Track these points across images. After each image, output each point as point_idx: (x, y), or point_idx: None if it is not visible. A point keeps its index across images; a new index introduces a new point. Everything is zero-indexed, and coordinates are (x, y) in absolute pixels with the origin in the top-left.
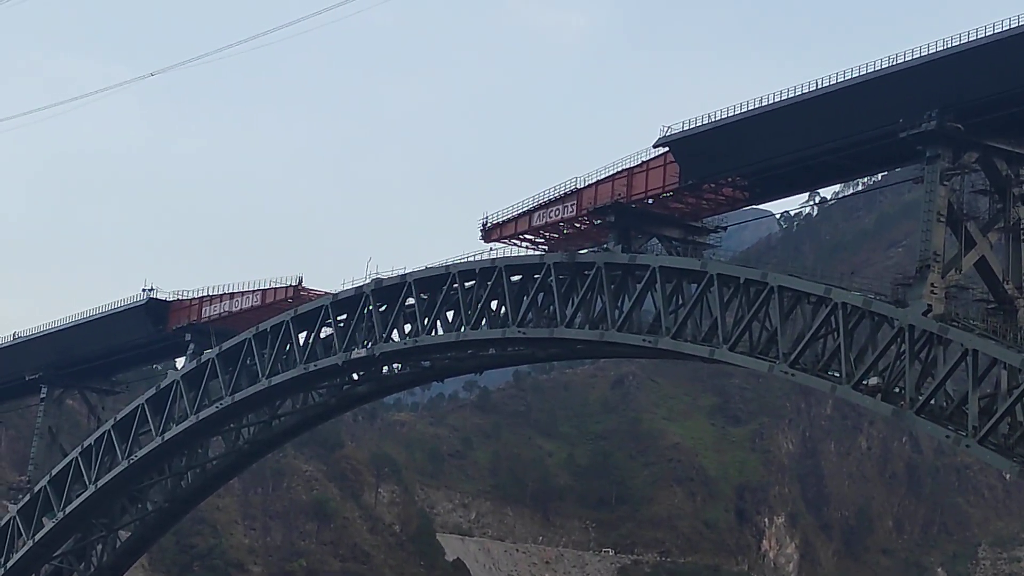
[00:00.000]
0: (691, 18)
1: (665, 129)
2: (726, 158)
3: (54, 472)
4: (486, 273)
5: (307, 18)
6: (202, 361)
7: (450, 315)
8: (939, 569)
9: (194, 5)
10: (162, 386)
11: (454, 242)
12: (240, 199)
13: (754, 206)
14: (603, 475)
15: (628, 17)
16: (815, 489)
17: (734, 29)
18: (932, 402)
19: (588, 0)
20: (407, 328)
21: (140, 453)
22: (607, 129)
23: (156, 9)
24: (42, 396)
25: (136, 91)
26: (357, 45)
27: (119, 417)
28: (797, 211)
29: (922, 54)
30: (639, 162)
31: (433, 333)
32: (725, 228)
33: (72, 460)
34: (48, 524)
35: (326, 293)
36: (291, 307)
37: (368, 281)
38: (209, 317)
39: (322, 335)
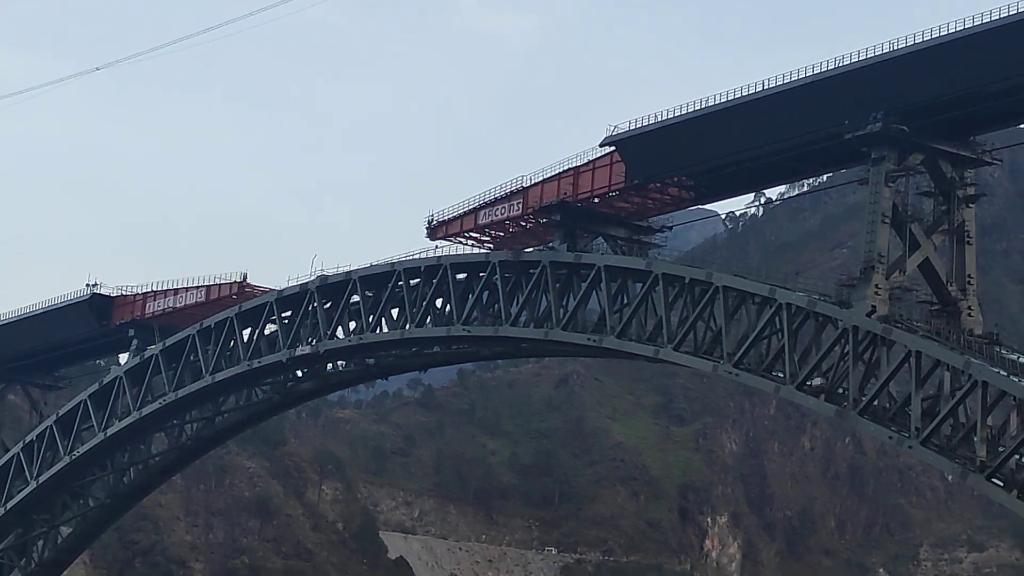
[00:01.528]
0: (638, 22)
1: (611, 128)
2: (672, 158)
3: None
4: (431, 271)
5: (256, 13)
6: (145, 357)
7: (395, 313)
8: (881, 570)
9: (139, 2)
10: (105, 382)
11: (400, 240)
12: (185, 195)
13: (700, 206)
14: (546, 474)
15: (577, 20)
16: (758, 489)
17: (681, 32)
18: (875, 403)
19: (539, 4)
20: (352, 325)
21: (82, 449)
22: (554, 129)
23: (101, 3)
24: None
25: (80, 86)
26: (308, 43)
27: (61, 413)
28: (743, 211)
29: (868, 56)
30: (585, 161)
31: (378, 331)
32: (671, 228)
33: (13, 456)
34: None
35: (271, 290)
36: (236, 303)
37: (313, 278)
38: (153, 313)
39: (266, 332)
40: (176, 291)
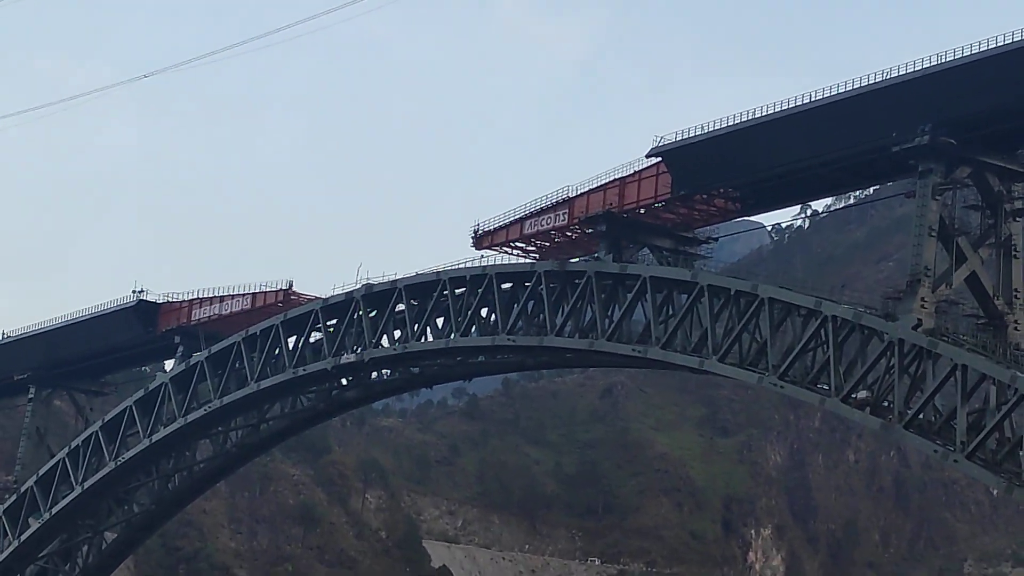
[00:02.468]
0: (686, 31)
1: (658, 139)
2: (718, 169)
3: (41, 473)
4: (476, 280)
5: (302, 22)
6: (191, 364)
7: (440, 322)
8: None
9: (186, 10)
10: (150, 388)
11: (445, 249)
12: (232, 203)
13: (745, 217)
14: (590, 484)
15: (624, 30)
16: (802, 501)
17: (729, 43)
18: (920, 416)
19: (585, 13)
20: (396, 334)
21: (127, 455)
22: (601, 139)
23: (148, 13)
24: (30, 396)
25: (129, 94)
26: (353, 52)
27: (107, 418)
28: (788, 223)
29: (915, 68)
30: (631, 172)
31: (423, 339)
32: (716, 239)
33: (59, 461)
34: (34, 524)
35: (316, 298)
36: (281, 311)
37: (359, 286)
38: (199, 320)
39: (311, 340)
40: (222, 298)
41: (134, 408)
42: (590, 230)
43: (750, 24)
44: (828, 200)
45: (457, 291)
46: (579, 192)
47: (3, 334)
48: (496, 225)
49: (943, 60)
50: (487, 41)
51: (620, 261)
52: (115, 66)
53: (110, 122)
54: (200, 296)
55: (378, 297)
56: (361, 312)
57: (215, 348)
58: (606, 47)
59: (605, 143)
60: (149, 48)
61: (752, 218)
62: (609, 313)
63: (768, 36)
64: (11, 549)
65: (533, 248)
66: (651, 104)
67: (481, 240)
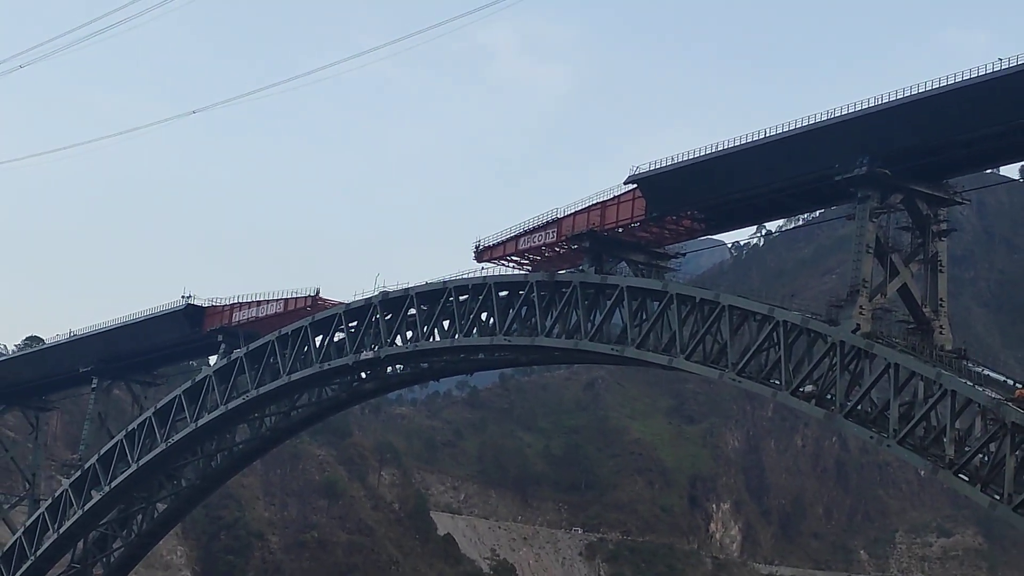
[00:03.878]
0: (659, 73)
1: (634, 168)
2: (686, 194)
3: (102, 452)
4: (478, 288)
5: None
6: (232, 359)
7: (446, 324)
8: (862, 552)
9: (226, 53)
10: (197, 380)
11: (451, 262)
12: (267, 220)
13: (709, 236)
14: (574, 464)
15: (603, 71)
16: (757, 480)
17: (695, 82)
18: (859, 408)
19: (568, 56)
20: (409, 334)
21: (176, 437)
22: (582, 165)
23: (192, 53)
24: (93, 386)
25: (178, 125)
26: (369, 91)
27: (159, 406)
28: (746, 241)
29: (855, 109)
30: (611, 196)
31: (431, 339)
32: (684, 254)
33: (118, 442)
34: (96, 496)
35: (340, 303)
36: (309, 314)
37: (376, 293)
38: (238, 321)
39: (335, 339)
40: (259, 303)
41: (182, 397)
42: (576, 246)
43: (713, 66)
44: (780, 221)
45: (461, 298)
46: (566, 213)
47: (70, 332)
48: (495, 241)
49: (880, 101)
50: (482, 81)
51: (601, 273)
52: (161, 101)
53: (162, 150)
54: (240, 301)
55: (393, 303)
56: (378, 315)
57: (252, 346)
58: (587, 87)
59: (586, 171)
60: (198, 83)
61: (715, 236)
62: (591, 317)
63: (728, 77)
64: (76, 517)
65: (527, 261)
66: (626, 137)
67: (482, 254)
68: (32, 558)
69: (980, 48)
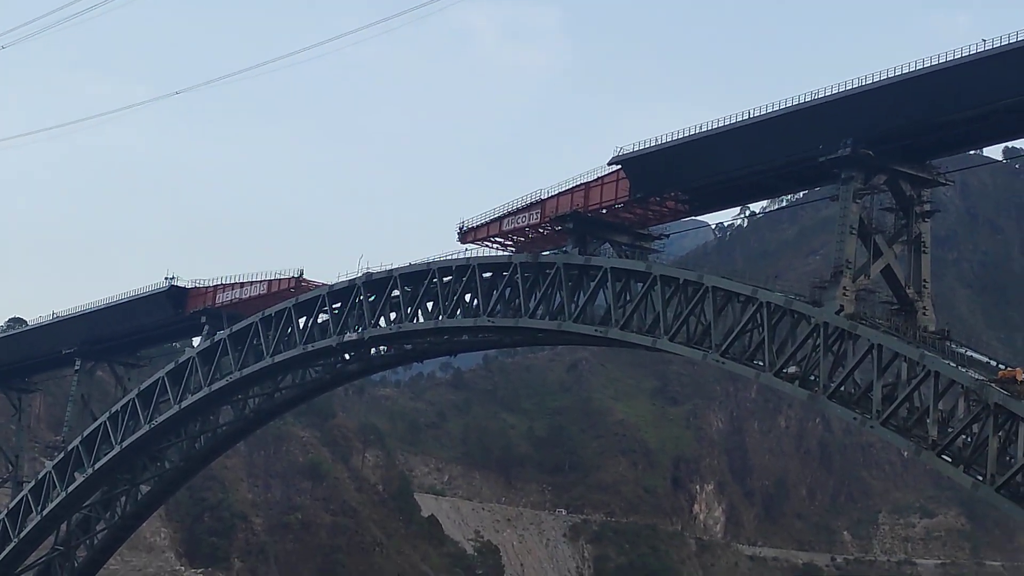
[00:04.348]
0: (642, 56)
1: (618, 149)
2: (670, 176)
3: (85, 433)
4: (462, 270)
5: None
6: (215, 340)
7: (430, 305)
8: (845, 532)
9: (211, 36)
10: (180, 361)
11: (435, 243)
12: (251, 202)
13: (693, 217)
14: (558, 446)
15: (586, 54)
16: (740, 461)
17: (678, 64)
18: (842, 389)
19: (552, 39)
20: (392, 316)
21: (160, 419)
22: (565, 146)
23: (174, 36)
24: (76, 368)
25: (160, 108)
26: (352, 74)
27: (142, 387)
28: (730, 223)
29: (839, 90)
30: (595, 177)
31: (415, 321)
32: (668, 236)
33: (101, 423)
34: (79, 478)
35: (323, 284)
36: (293, 296)
37: (360, 275)
38: (222, 303)
39: (319, 320)
40: (242, 284)
41: (166, 378)
42: (559, 227)
43: (697, 48)
44: (764, 203)
45: (445, 279)
46: (550, 195)
47: (53, 314)
48: (479, 222)
49: (863, 83)
50: (466, 66)
51: (585, 254)
52: (151, 84)
53: (144, 132)
54: (223, 282)
55: (377, 284)
56: (362, 297)
57: (236, 327)
58: (570, 70)
59: (568, 151)
60: (180, 68)
61: (699, 218)
62: (575, 299)
63: (712, 60)
64: (59, 499)
65: (510, 242)
66: (610, 119)
67: (466, 235)
68: (15, 540)
69: (962, 31)
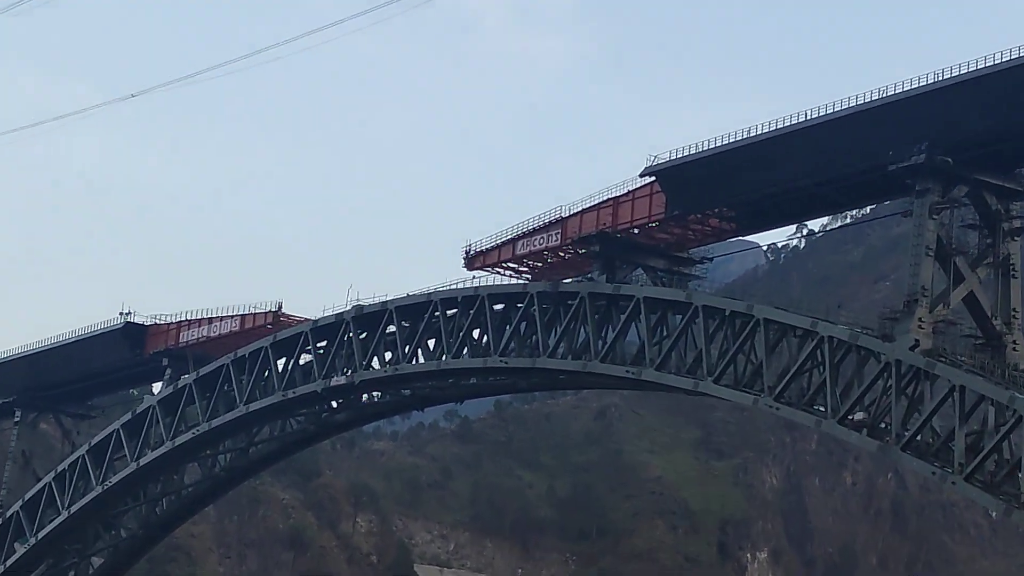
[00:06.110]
0: (676, 39)
1: (652, 158)
2: (713, 188)
3: (27, 497)
4: (468, 301)
5: (289, 42)
6: (179, 386)
7: (431, 343)
8: None
9: (171, 29)
10: (138, 411)
11: (437, 270)
12: (220, 223)
13: (741, 237)
14: (584, 507)
15: (609, 41)
16: (799, 525)
17: (720, 61)
18: (918, 438)
19: (568, 26)
20: (387, 356)
21: (115, 479)
22: (590, 156)
23: (133, 33)
24: (16, 420)
25: (116, 113)
26: (339, 71)
27: (94, 442)
28: (784, 243)
29: (912, 87)
30: (625, 191)
31: (414, 361)
32: (711, 259)
33: (45, 485)
34: (20, 550)
35: (306, 319)
36: (270, 333)
37: (349, 308)
38: (187, 342)
39: (301, 362)
40: (210, 320)
41: (121, 431)
42: (583, 250)
43: (739, 37)
44: (824, 219)
45: (449, 312)
46: (572, 212)
47: None
48: (488, 245)
49: (940, 78)
50: (472, 59)
51: (614, 281)
52: (102, 86)
53: (96, 141)
54: (188, 318)
55: (369, 318)
56: (351, 334)
57: (203, 370)
58: (591, 61)
59: (592, 158)
60: (136, 67)
61: (747, 238)
62: (603, 334)
63: (757, 51)
64: None
65: (526, 268)
66: (640, 121)
67: (473, 260)
68: None
69: None
